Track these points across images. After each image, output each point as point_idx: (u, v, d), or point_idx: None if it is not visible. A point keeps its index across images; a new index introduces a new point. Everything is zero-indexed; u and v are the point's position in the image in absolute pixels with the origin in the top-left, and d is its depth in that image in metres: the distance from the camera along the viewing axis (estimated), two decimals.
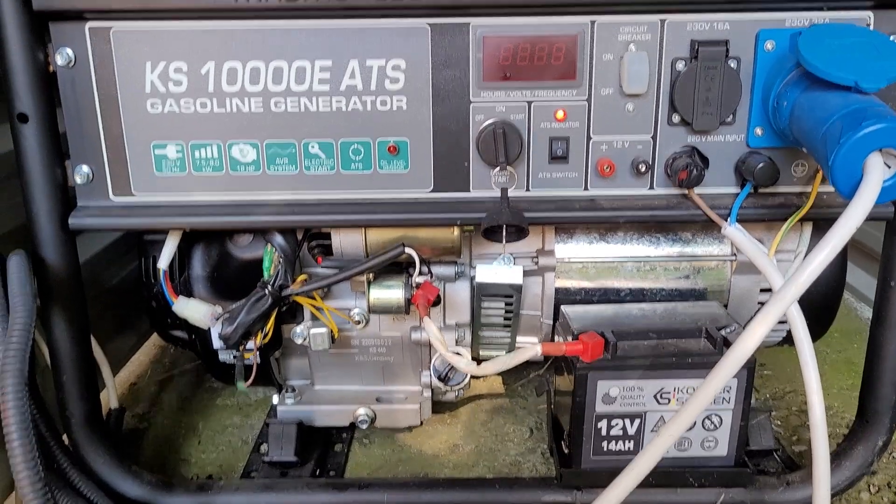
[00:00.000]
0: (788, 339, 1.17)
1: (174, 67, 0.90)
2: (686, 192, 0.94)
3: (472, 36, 0.89)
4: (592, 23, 0.89)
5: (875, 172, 0.71)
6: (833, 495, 1.06)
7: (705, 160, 0.93)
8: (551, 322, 1.16)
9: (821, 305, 1.14)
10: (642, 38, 0.89)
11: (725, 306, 1.14)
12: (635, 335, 1.03)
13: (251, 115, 0.92)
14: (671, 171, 0.93)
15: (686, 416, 0.83)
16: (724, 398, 1.01)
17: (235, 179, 0.95)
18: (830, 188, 0.92)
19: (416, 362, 1.18)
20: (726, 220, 0.93)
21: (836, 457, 1.06)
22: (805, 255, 0.91)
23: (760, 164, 0.90)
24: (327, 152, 0.94)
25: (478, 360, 1.20)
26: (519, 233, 0.91)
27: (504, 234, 0.91)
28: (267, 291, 0.99)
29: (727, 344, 0.99)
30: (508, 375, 1.45)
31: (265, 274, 1.01)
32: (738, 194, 0.93)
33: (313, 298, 1.05)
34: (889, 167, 0.74)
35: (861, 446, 1.04)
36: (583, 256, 1.12)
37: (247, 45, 0.89)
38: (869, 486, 1.12)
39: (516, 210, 0.91)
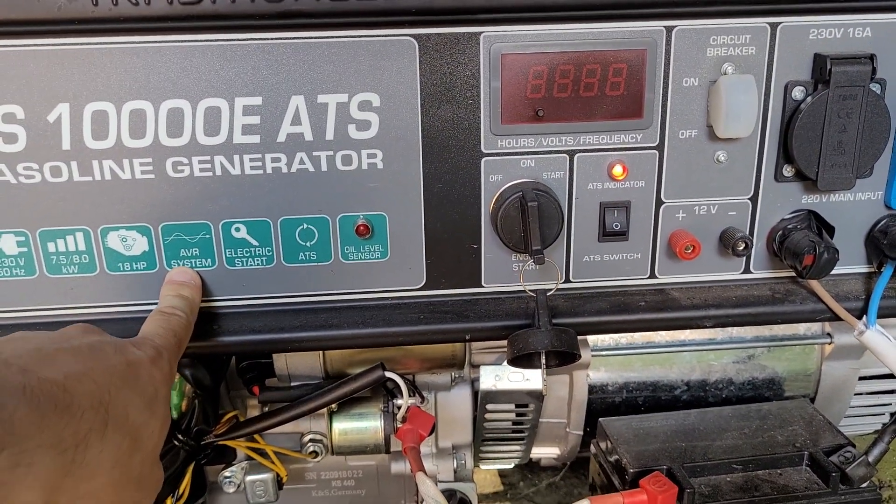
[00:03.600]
0: None
1: (2, 114, 0.55)
2: (801, 279, 0.64)
3: (483, 53, 0.57)
4: (668, 29, 0.57)
5: None
6: None
7: (831, 230, 0.63)
8: (580, 433, 0.85)
9: None
10: (744, 53, 0.58)
11: (813, 399, 0.86)
12: (714, 468, 0.73)
13: (136, 184, 0.58)
14: (783, 251, 0.62)
15: None
16: None
17: (117, 282, 0.61)
18: None
19: (399, 495, 0.86)
20: (861, 319, 0.63)
21: None
22: None
23: None
24: (261, 237, 0.60)
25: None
26: (564, 357, 0.60)
27: (543, 361, 0.59)
28: (176, 442, 0.65)
29: (845, 480, 0.70)
30: (514, 475, 1.13)
31: (173, 413, 0.67)
32: (878, 278, 0.64)
33: (252, 439, 0.72)
34: None
35: None
36: (623, 345, 0.82)
37: (121, 74, 0.55)
38: None
39: (562, 328, 0.59)
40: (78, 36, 0.54)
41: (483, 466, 0.92)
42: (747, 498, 0.71)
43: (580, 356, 0.60)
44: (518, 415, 0.82)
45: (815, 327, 0.83)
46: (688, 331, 0.82)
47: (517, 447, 0.87)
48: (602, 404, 0.84)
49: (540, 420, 0.85)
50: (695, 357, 0.83)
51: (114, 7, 0.52)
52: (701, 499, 0.70)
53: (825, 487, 0.72)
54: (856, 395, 0.86)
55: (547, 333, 0.58)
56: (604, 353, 0.82)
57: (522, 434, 0.85)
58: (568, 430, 0.86)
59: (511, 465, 0.92)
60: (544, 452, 0.90)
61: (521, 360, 0.60)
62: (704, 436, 0.77)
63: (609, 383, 0.84)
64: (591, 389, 0.84)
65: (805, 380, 0.85)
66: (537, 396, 0.79)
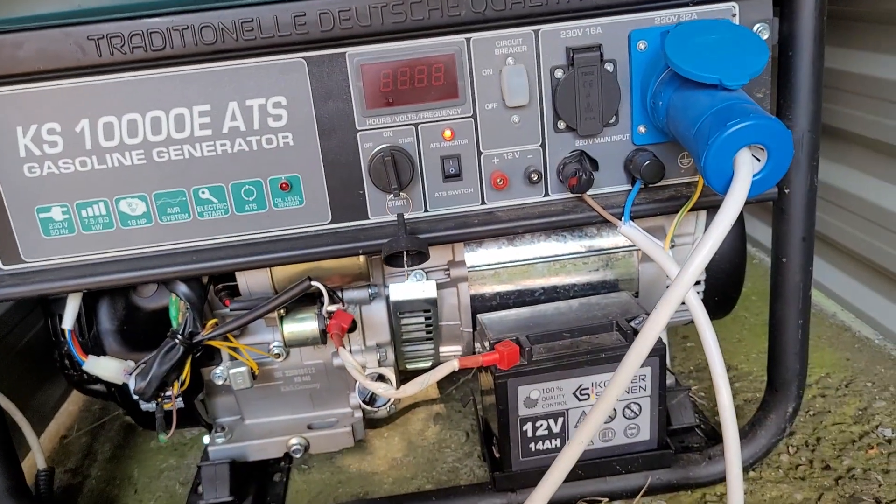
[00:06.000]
0: None
1: (47, 129, 0.87)
2: (580, 195, 0.96)
3: (349, 65, 0.89)
4: (468, 40, 0.89)
5: (744, 169, 0.74)
6: (752, 464, 1.11)
7: (594, 162, 0.95)
8: (471, 330, 1.17)
9: (725, 283, 1.18)
10: (519, 51, 0.90)
11: (637, 294, 1.17)
12: (550, 336, 1.05)
13: (135, 168, 0.90)
14: (563, 177, 0.94)
15: (599, 410, 0.85)
16: (640, 387, 1.04)
17: (127, 234, 0.92)
18: None
19: (343, 385, 1.18)
20: (621, 219, 0.95)
21: (752, 427, 1.10)
22: None
23: (647, 162, 0.92)
24: (219, 196, 0.92)
25: (406, 372, 1.21)
26: (420, 256, 0.92)
27: (405, 259, 0.91)
28: (177, 341, 0.98)
29: (637, 335, 1.02)
30: (442, 381, 1.46)
31: (173, 323, 1.00)
32: (629, 192, 0.96)
33: (228, 340, 1.04)
34: (759, 160, 0.77)
35: (773, 414, 1.08)
36: (493, 262, 1.14)
37: (119, 98, 0.87)
38: (788, 447, 1.17)
39: (414, 234, 0.92)
40: (91, 76, 0.86)
41: (408, 366, 1.23)
42: (571, 351, 1.03)
43: (429, 255, 0.91)
44: (424, 318, 1.14)
45: None
46: (540, 248, 1.14)
47: (429, 346, 1.19)
48: (483, 309, 1.15)
49: (440, 323, 1.16)
50: (546, 268, 1.15)
51: (111, 56, 0.84)
52: (537, 355, 1.02)
53: (626, 343, 1.04)
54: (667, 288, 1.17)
55: (405, 239, 0.90)
56: (479, 268, 1.13)
57: (430, 334, 1.16)
58: (462, 329, 1.17)
59: (429, 364, 1.22)
60: (450, 350, 1.21)
61: (391, 259, 0.92)
62: (548, 319, 1.09)
63: (486, 293, 1.15)
64: (474, 299, 1.15)
65: (630, 280, 1.16)
66: (433, 303, 1.11)
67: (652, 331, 0.82)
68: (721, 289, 1.18)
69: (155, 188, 0.91)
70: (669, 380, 1.19)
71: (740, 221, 1.17)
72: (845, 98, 1.44)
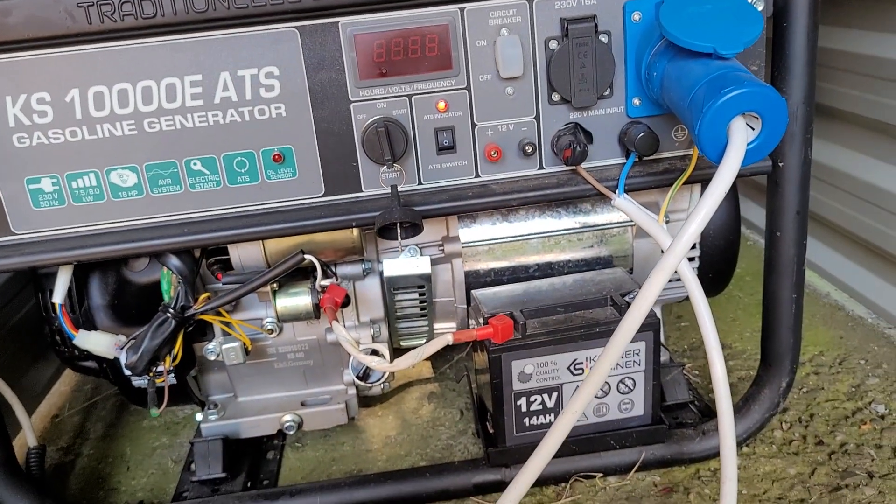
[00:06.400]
0: None
1: (36, 98, 0.86)
2: (574, 168, 0.95)
3: (342, 35, 0.88)
4: (461, 10, 0.88)
5: (738, 137, 0.74)
6: (746, 439, 1.11)
7: (589, 135, 0.94)
8: (465, 306, 1.17)
9: (720, 259, 1.17)
10: (513, 21, 0.89)
11: (631, 270, 1.17)
12: (544, 311, 1.05)
13: (126, 139, 0.89)
14: (557, 150, 0.94)
15: (591, 384, 0.85)
16: (634, 361, 1.04)
17: (118, 206, 0.92)
18: None
19: (337, 362, 1.18)
20: (615, 192, 0.95)
21: (746, 402, 1.10)
22: None
23: (641, 134, 0.92)
24: (211, 168, 0.92)
25: (399, 350, 1.21)
26: (414, 228, 0.91)
27: (399, 231, 0.91)
28: (169, 315, 0.97)
29: None
30: (436, 360, 1.46)
31: (165, 297, 0.99)
32: (623, 165, 0.95)
33: (220, 315, 1.04)
34: (753, 129, 0.76)
35: (767, 389, 1.09)
36: (488, 238, 1.14)
37: (109, 67, 0.86)
38: (781, 423, 1.18)
39: (408, 206, 0.91)
40: (81, 44, 0.85)
41: (402, 343, 1.23)
42: (565, 326, 1.03)
43: (423, 228, 0.91)
44: (418, 294, 1.13)
45: (624, 215, 1.14)
46: (535, 223, 1.13)
47: (423, 323, 1.18)
48: (477, 285, 1.15)
49: (434, 300, 1.16)
50: (541, 244, 1.14)
51: (101, 24, 0.83)
52: (531, 329, 1.02)
53: (619, 317, 1.03)
54: None
55: (398, 210, 0.89)
56: (473, 244, 1.13)
57: (423, 310, 1.16)
58: (456, 305, 1.17)
59: (423, 341, 1.22)
60: (444, 327, 1.21)
61: (385, 231, 0.91)
62: (542, 294, 1.09)
63: (480, 269, 1.15)
64: (468, 275, 1.15)
65: (624, 256, 1.16)
66: (427, 278, 1.10)
67: (645, 301, 0.81)
68: (715, 266, 1.18)
69: (146, 159, 0.90)
70: (664, 356, 1.19)
71: (734, 199, 1.17)
72: (837, 76, 1.44)
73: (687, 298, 1.27)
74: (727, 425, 0.87)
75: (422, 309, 1.15)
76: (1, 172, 0.89)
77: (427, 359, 1.28)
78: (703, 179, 0.98)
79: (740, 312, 1.52)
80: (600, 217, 1.14)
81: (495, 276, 1.15)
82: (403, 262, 1.09)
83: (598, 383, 0.86)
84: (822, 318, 1.47)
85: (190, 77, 0.87)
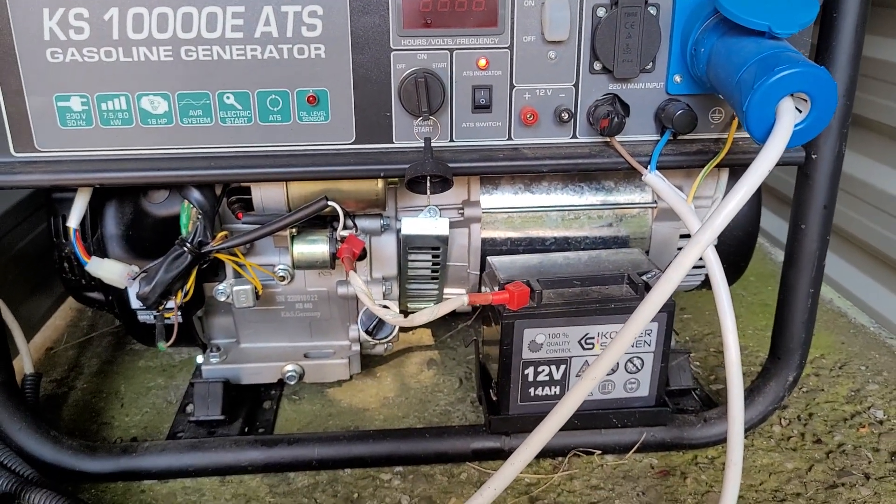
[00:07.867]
0: (706, 284, 1.21)
1: (74, 14, 0.85)
2: (608, 139, 0.95)
3: None
4: None
5: (787, 116, 0.73)
6: (747, 429, 1.11)
7: (626, 108, 0.94)
8: (478, 273, 1.16)
9: (737, 250, 1.17)
10: None
11: (647, 252, 1.17)
12: (560, 283, 1.04)
13: (161, 65, 0.87)
14: (593, 119, 0.93)
15: (607, 359, 0.85)
16: (645, 341, 1.04)
17: (146, 132, 0.90)
18: (745, 134, 0.94)
19: (344, 317, 1.17)
20: (647, 168, 0.94)
21: (750, 393, 1.11)
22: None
23: (679, 112, 0.91)
24: (243, 103, 0.90)
25: (406, 313, 1.20)
26: (444, 184, 0.91)
27: (428, 185, 0.90)
28: (185, 249, 0.96)
29: (648, 289, 1.02)
30: (437, 327, 1.45)
31: (183, 231, 0.98)
32: (658, 141, 0.95)
33: (235, 255, 1.02)
34: (800, 111, 0.76)
35: (773, 382, 1.09)
36: (508, 206, 1.13)
37: None
38: (780, 419, 1.18)
39: (440, 160, 0.90)
40: None
41: (410, 305, 1.22)
42: (581, 299, 1.02)
43: (452, 184, 0.90)
44: (432, 256, 1.12)
45: (647, 196, 1.14)
46: (557, 197, 1.13)
47: (433, 286, 1.18)
48: (492, 253, 1.14)
49: (448, 263, 1.15)
50: (560, 217, 1.14)
51: None
52: (547, 299, 1.02)
53: (636, 296, 1.03)
54: (679, 249, 1.17)
55: (430, 163, 0.88)
56: (493, 211, 1.12)
57: (436, 273, 1.15)
58: (469, 271, 1.16)
59: (431, 303, 1.21)
60: (453, 292, 1.21)
61: (414, 184, 0.90)
62: (558, 267, 1.08)
63: (497, 237, 1.14)
64: (485, 242, 1.14)
65: (642, 238, 1.16)
66: (444, 240, 1.09)
67: (668, 284, 0.80)
68: (731, 257, 1.18)
69: (179, 88, 0.89)
70: (672, 341, 1.18)
71: (758, 191, 1.16)
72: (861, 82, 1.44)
73: (696, 289, 1.27)
74: (737, 408, 0.87)
75: (434, 271, 1.14)
76: (31, 86, 0.87)
77: (430, 323, 1.28)
78: (734, 164, 0.98)
79: (743, 311, 1.53)
80: (622, 196, 1.14)
81: (511, 246, 1.15)
82: (422, 221, 1.08)
83: (613, 359, 0.85)
84: (824, 323, 1.47)
85: (233, 7, 0.86)
